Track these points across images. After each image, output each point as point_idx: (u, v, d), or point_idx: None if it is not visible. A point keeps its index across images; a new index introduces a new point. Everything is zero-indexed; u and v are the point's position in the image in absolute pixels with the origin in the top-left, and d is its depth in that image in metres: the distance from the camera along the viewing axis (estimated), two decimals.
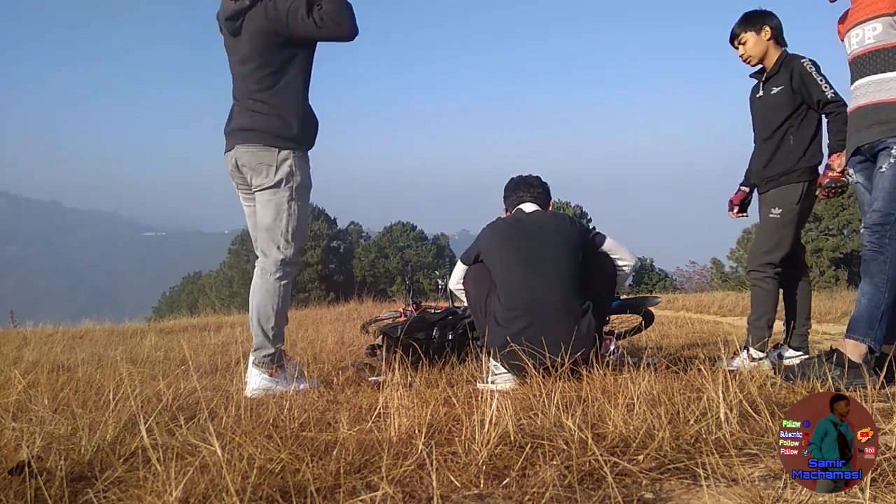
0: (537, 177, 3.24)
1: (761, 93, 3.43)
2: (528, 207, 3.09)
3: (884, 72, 2.59)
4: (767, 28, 3.34)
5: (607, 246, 2.99)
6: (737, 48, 3.44)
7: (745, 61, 3.45)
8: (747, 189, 3.67)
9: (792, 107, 3.28)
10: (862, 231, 2.64)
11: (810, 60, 3.27)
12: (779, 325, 3.56)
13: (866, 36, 2.62)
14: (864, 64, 2.66)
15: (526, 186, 3.19)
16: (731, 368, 2.36)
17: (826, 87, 3.18)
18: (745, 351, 3.34)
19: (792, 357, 3.35)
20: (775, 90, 3.33)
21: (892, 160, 2.53)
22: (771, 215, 3.32)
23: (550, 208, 3.23)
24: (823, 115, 3.23)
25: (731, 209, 3.73)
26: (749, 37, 3.37)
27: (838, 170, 3.04)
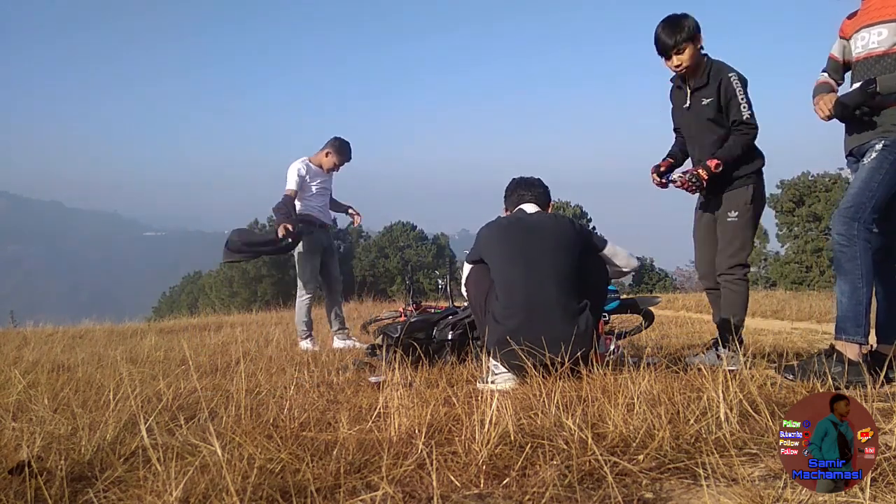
0: (538, 178, 3.27)
1: (688, 102, 3.40)
2: (530, 208, 3.11)
3: None
4: (700, 36, 3.28)
5: (608, 251, 3.02)
6: (669, 58, 3.31)
7: (677, 71, 3.35)
8: (672, 160, 3.64)
9: (724, 119, 3.31)
10: (832, 220, 2.67)
11: (738, 76, 3.25)
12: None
13: (871, 40, 2.65)
14: (865, 68, 2.69)
15: (527, 186, 3.21)
16: (732, 368, 2.37)
17: (745, 109, 3.23)
18: (715, 350, 3.33)
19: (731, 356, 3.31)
20: (706, 101, 3.32)
21: (874, 153, 2.60)
22: (729, 219, 3.35)
23: (550, 210, 3.25)
24: (732, 130, 3.28)
25: (656, 172, 3.59)
26: (688, 47, 3.26)
27: (713, 170, 3.22)
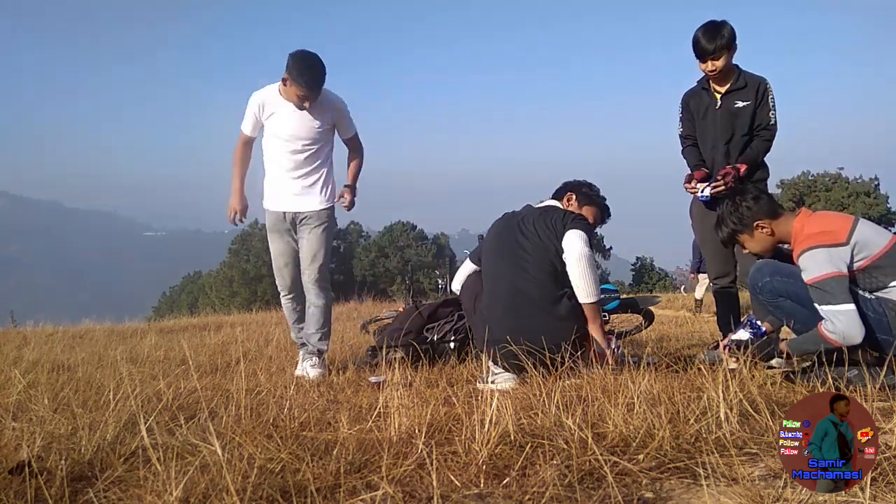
0: (582, 180, 3.30)
1: (720, 104, 3.48)
2: (545, 202, 3.15)
3: None
4: (736, 45, 3.39)
5: (567, 236, 2.78)
6: (705, 62, 3.39)
7: (710, 74, 3.44)
8: (707, 170, 3.55)
9: (753, 123, 3.44)
10: None
11: (769, 83, 3.44)
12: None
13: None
14: None
15: (564, 186, 3.25)
16: (732, 368, 2.37)
17: (773, 114, 3.42)
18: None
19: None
20: (741, 104, 3.43)
21: None
22: None
23: (566, 202, 3.18)
24: (757, 134, 3.43)
25: (689, 181, 3.55)
26: (725, 55, 3.36)
27: (741, 174, 3.35)
